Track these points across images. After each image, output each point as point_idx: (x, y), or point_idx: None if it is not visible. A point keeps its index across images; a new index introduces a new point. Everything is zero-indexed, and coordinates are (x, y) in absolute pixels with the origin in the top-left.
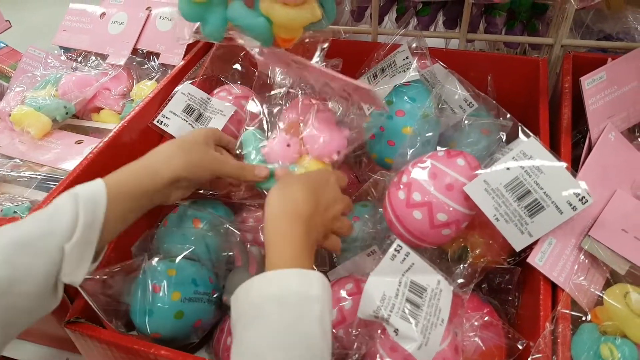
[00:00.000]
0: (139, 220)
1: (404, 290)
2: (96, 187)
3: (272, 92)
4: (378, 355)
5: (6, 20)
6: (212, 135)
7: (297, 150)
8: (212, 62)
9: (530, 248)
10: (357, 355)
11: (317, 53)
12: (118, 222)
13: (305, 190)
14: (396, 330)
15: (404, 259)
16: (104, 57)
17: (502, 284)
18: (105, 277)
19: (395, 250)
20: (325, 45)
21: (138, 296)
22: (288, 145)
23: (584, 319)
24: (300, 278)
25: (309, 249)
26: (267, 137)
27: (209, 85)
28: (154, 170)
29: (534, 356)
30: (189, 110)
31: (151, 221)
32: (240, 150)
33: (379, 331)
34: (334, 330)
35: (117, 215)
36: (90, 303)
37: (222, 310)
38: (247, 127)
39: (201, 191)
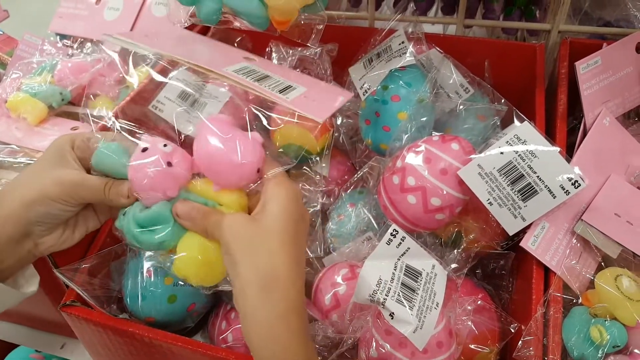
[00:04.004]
0: None
1: (400, 275)
2: None
3: None
4: (373, 339)
5: (4, 10)
6: (70, 141)
7: (185, 168)
8: None
9: (523, 232)
10: (351, 340)
11: (312, 35)
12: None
13: (286, 248)
14: (392, 314)
15: (400, 243)
16: (100, 43)
17: (497, 269)
18: (89, 265)
19: (391, 234)
20: (321, 27)
21: (130, 281)
22: (169, 164)
23: (575, 302)
24: None
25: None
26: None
27: None
28: None
29: (525, 339)
30: (184, 95)
31: None
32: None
33: (374, 315)
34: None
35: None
36: (81, 294)
37: (217, 294)
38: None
39: None
